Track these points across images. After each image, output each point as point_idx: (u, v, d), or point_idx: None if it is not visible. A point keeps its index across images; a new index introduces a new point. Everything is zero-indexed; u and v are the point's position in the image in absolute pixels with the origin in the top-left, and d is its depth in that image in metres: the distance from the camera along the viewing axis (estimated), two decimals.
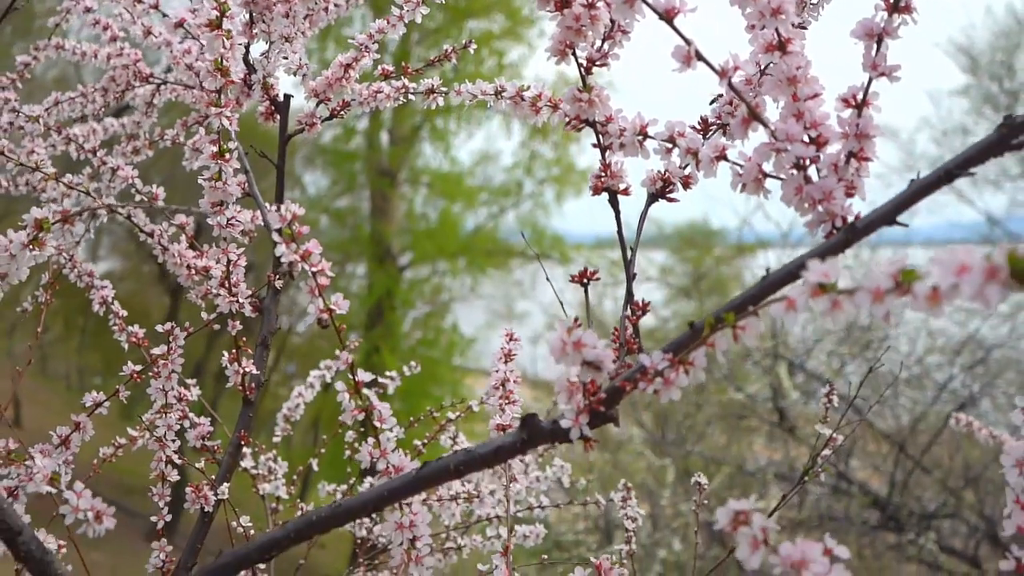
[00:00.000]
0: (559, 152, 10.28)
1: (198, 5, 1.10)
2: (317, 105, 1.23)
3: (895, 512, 5.47)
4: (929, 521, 5.43)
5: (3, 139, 1.32)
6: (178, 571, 0.99)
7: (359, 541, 1.71)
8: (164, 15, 1.30)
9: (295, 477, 1.69)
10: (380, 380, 1.63)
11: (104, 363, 10.86)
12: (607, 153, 0.89)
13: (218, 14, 1.00)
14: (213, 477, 1.09)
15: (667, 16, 0.72)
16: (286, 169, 1.24)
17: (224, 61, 1.01)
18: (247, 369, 1.10)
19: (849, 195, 0.70)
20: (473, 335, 10.41)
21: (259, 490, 1.53)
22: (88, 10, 1.47)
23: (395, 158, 10.17)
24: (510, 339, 1.02)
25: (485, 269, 10.45)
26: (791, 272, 0.63)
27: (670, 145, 0.86)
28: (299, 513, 1.44)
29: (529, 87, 1.02)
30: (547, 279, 1.13)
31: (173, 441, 1.07)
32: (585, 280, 0.93)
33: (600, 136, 0.89)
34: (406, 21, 1.21)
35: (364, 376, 0.78)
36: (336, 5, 1.21)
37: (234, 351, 1.10)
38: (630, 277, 0.87)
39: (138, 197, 1.35)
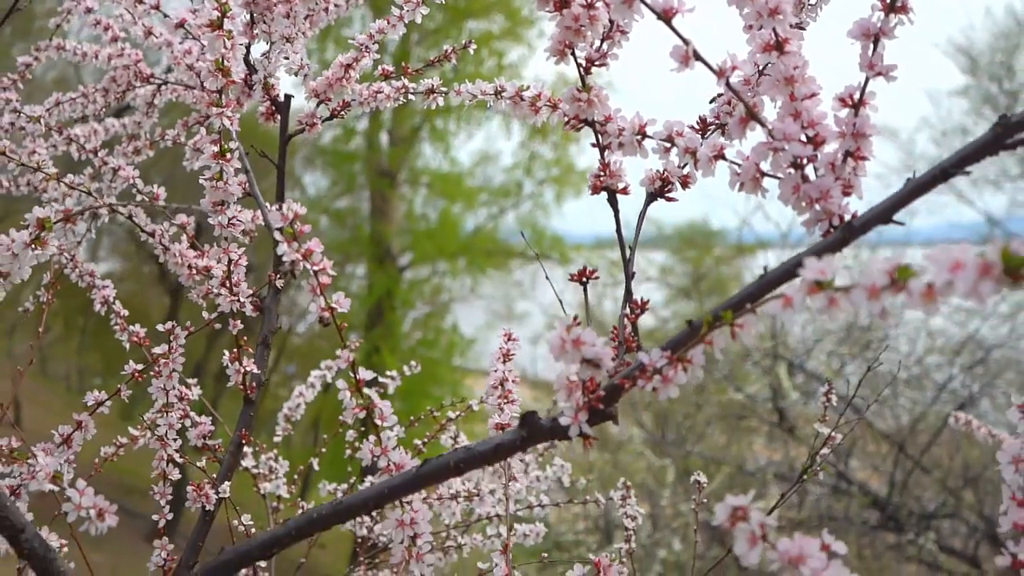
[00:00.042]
0: (559, 152, 10.29)
1: (199, 6, 1.10)
2: (317, 105, 1.24)
3: (895, 512, 5.47)
4: (929, 521, 5.43)
5: (5, 139, 1.33)
6: (180, 569, 0.99)
7: (360, 540, 1.72)
8: (165, 16, 1.30)
9: (296, 476, 1.70)
10: (380, 380, 1.63)
11: (104, 364, 10.86)
12: (606, 152, 0.90)
13: (219, 14, 1.01)
14: (214, 476, 1.09)
15: (665, 16, 0.72)
16: (286, 169, 1.25)
17: (225, 61, 1.01)
18: (248, 368, 1.10)
19: (846, 194, 0.71)
20: (473, 335, 10.41)
21: (260, 489, 1.53)
22: (89, 10, 1.48)
23: (395, 159, 10.17)
24: (508, 339, 1.02)
25: (485, 269, 10.46)
26: (788, 270, 0.63)
27: (668, 145, 0.87)
28: (300, 512, 1.45)
29: (528, 87, 1.03)
30: (547, 279, 1.13)
31: (174, 440, 1.08)
32: (584, 279, 0.93)
33: (599, 136, 0.89)
34: (406, 21, 1.21)
35: (365, 375, 0.79)
36: (336, 5, 1.22)
37: (235, 350, 1.11)
38: (629, 276, 0.87)
39: (139, 197, 1.35)
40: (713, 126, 0.86)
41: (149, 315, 8.61)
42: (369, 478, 1.53)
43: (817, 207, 0.71)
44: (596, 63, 0.85)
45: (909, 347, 6.57)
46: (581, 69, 0.85)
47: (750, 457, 7.08)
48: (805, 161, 0.73)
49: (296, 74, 1.24)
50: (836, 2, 0.92)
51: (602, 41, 0.84)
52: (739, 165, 0.78)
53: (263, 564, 1.38)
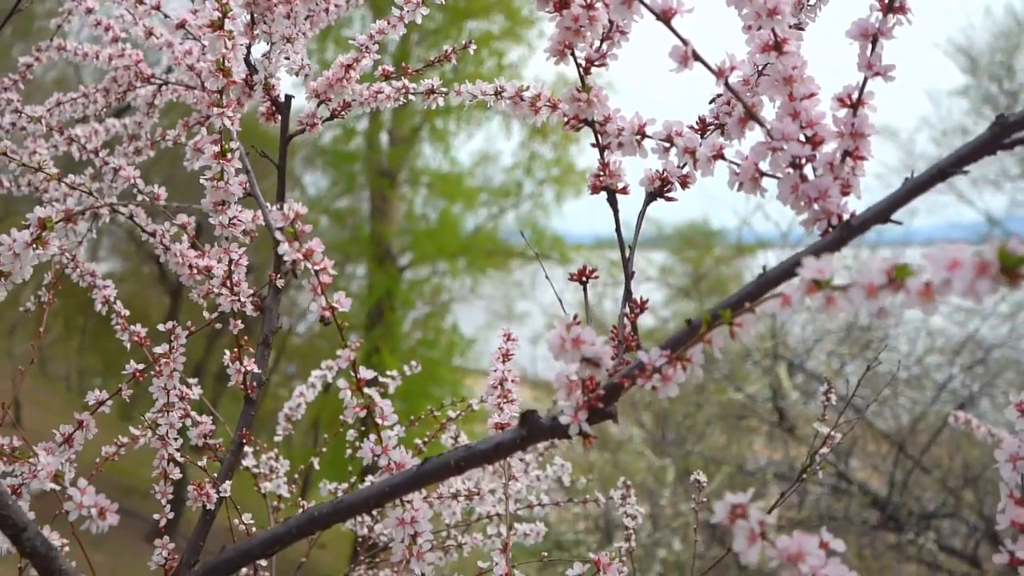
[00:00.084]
0: (559, 153, 10.29)
1: (200, 6, 1.10)
2: (318, 105, 1.24)
3: (895, 512, 5.47)
4: (929, 521, 5.43)
5: (6, 140, 1.33)
6: (181, 568, 1.00)
7: (360, 539, 1.72)
8: (166, 16, 1.31)
9: (296, 476, 1.70)
10: (381, 379, 1.63)
11: (104, 364, 10.86)
12: (605, 152, 0.90)
13: (220, 15, 1.01)
14: (215, 475, 1.10)
15: (664, 17, 0.72)
16: (286, 170, 1.25)
17: (226, 62, 1.01)
18: (249, 368, 1.11)
19: (844, 193, 0.71)
20: (473, 335, 10.41)
21: (260, 488, 1.54)
22: (90, 11, 1.48)
23: (395, 159, 10.18)
24: (508, 339, 1.03)
25: (485, 269, 10.46)
26: (787, 270, 0.64)
27: (668, 144, 0.87)
28: (300, 511, 1.45)
29: (528, 87, 1.03)
30: (547, 279, 1.14)
31: (175, 440, 1.08)
32: (584, 279, 0.94)
33: (598, 135, 0.89)
34: (406, 22, 1.21)
35: (366, 374, 0.79)
36: (336, 6, 1.22)
37: (236, 350, 1.11)
38: (628, 275, 0.87)
39: (140, 197, 1.35)
40: (712, 126, 0.87)
41: (149, 315, 8.61)
42: (369, 477, 1.53)
43: (816, 206, 0.72)
44: (596, 63, 0.85)
45: (909, 347, 6.57)
46: (581, 69, 0.86)
47: (750, 457, 7.08)
48: (804, 161, 0.73)
49: (296, 74, 1.24)
50: (835, 2, 0.92)
51: (601, 41, 0.84)
52: (738, 165, 0.78)
53: (264, 563, 1.39)
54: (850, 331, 6.45)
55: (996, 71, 7.87)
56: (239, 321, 1.10)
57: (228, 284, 1.09)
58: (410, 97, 1.24)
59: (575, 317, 0.72)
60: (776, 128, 0.74)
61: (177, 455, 1.08)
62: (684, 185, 0.90)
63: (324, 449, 1.80)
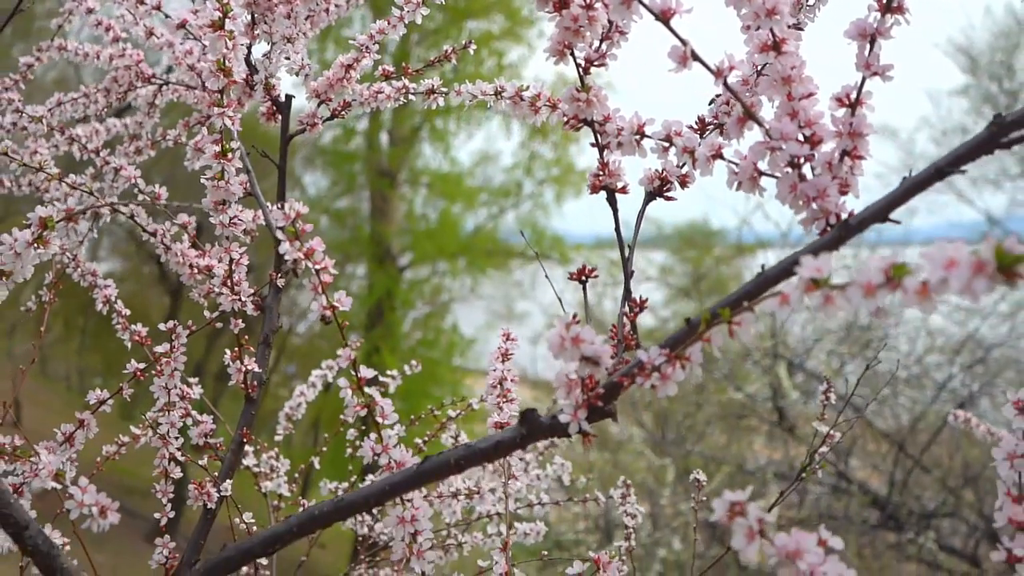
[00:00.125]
0: (559, 152, 10.29)
1: (200, 6, 1.11)
2: (318, 105, 1.24)
3: (895, 511, 5.47)
4: (929, 520, 5.44)
5: (7, 139, 1.33)
6: (182, 567, 1.00)
7: (360, 538, 1.72)
8: (166, 16, 1.31)
9: (297, 475, 1.70)
10: (381, 379, 1.64)
11: (104, 364, 10.87)
12: (605, 152, 0.90)
13: (220, 15, 1.01)
14: (216, 474, 1.10)
15: (663, 17, 0.73)
16: (287, 169, 1.26)
17: (226, 61, 1.02)
18: (249, 367, 1.11)
19: (843, 193, 0.72)
20: (473, 335, 10.41)
21: (261, 488, 1.54)
22: (90, 11, 1.48)
23: (395, 159, 10.18)
24: (507, 339, 1.03)
25: (485, 269, 10.46)
26: (786, 269, 0.64)
27: (667, 144, 0.87)
28: (301, 510, 1.45)
29: (528, 87, 1.03)
30: (547, 279, 1.14)
31: (176, 439, 1.08)
32: (583, 278, 0.94)
33: (598, 135, 0.90)
34: (406, 22, 1.22)
35: (367, 373, 0.79)
36: (337, 6, 1.22)
37: (236, 349, 1.11)
38: (628, 274, 0.88)
39: (141, 197, 1.36)
40: (711, 126, 0.87)
41: (149, 315, 8.61)
42: (370, 476, 1.54)
43: (814, 206, 0.72)
44: (595, 63, 0.86)
45: (909, 346, 6.57)
46: (580, 69, 0.86)
47: (750, 456, 7.08)
48: (802, 160, 0.73)
49: (297, 74, 1.25)
50: (834, 2, 0.92)
51: (601, 41, 0.85)
52: (737, 164, 0.79)
53: (264, 562, 1.39)
54: (850, 330, 6.46)
55: (996, 71, 7.87)
56: (240, 320, 1.11)
57: (229, 283, 1.09)
58: (410, 97, 1.24)
59: (575, 316, 0.72)
60: (775, 128, 0.74)
61: (178, 454, 1.08)
62: (683, 185, 0.90)
63: (324, 448, 1.81)
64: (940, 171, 0.62)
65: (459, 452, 0.73)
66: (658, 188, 0.90)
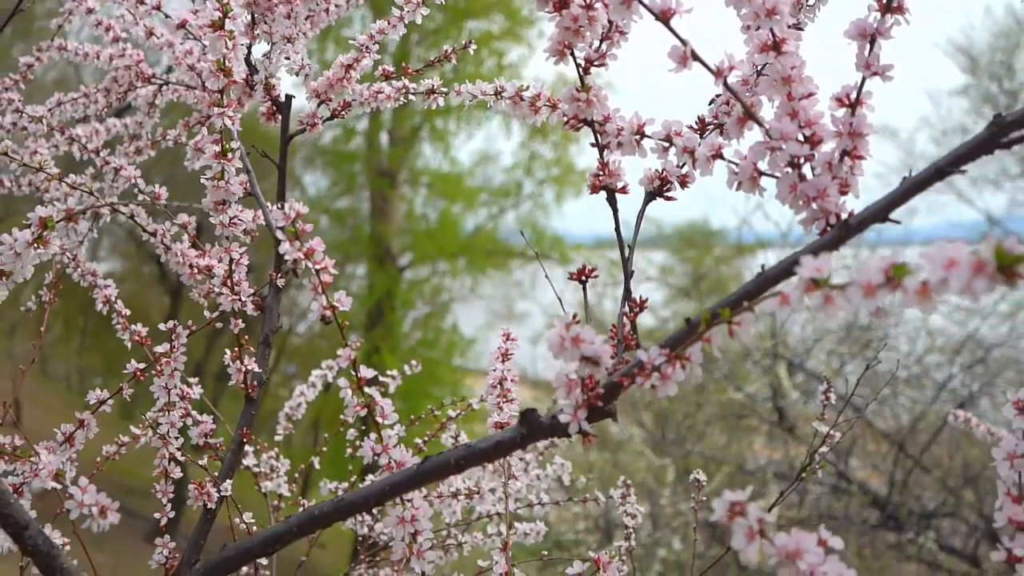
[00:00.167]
0: (559, 152, 10.29)
1: (200, 6, 1.11)
2: (318, 105, 1.24)
3: (895, 511, 5.47)
4: (929, 520, 5.44)
5: (7, 139, 1.33)
6: (182, 567, 1.00)
7: (360, 538, 1.72)
8: (166, 16, 1.31)
9: (297, 475, 1.70)
10: (381, 379, 1.64)
11: (104, 364, 10.87)
12: (605, 152, 0.90)
13: (220, 15, 1.01)
14: (216, 474, 1.10)
15: (663, 17, 0.73)
16: (287, 170, 1.26)
17: (227, 61, 1.02)
18: (249, 367, 1.11)
19: (843, 192, 0.72)
20: (473, 335, 10.41)
21: (261, 488, 1.54)
22: (90, 11, 1.48)
23: (395, 159, 10.18)
24: (507, 339, 1.03)
25: (485, 269, 10.46)
26: (786, 269, 0.64)
27: (667, 144, 0.87)
28: (301, 510, 1.45)
29: (528, 87, 1.03)
30: (547, 279, 1.14)
31: (176, 439, 1.08)
32: (583, 278, 0.94)
33: (598, 135, 0.90)
34: (406, 22, 1.22)
35: (367, 373, 0.79)
36: (337, 6, 1.22)
37: (236, 349, 1.11)
38: (628, 274, 0.88)
39: (141, 197, 1.36)
40: (711, 126, 0.87)
41: (149, 315, 8.61)
42: (370, 476, 1.54)
43: (814, 206, 0.72)
44: (595, 63, 0.86)
45: (909, 346, 6.57)
46: (580, 69, 0.86)
47: (750, 456, 7.08)
48: (802, 160, 0.73)
49: (297, 74, 1.25)
50: (834, 2, 0.92)
51: (601, 42, 0.85)
52: (737, 164, 0.79)
53: (264, 562, 1.39)
54: (850, 330, 6.46)
55: (996, 71, 7.87)
56: (240, 320, 1.11)
57: (229, 283, 1.09)
58: (410, 97, 1.24)
59: (575, 316, 0.72)
60: (775, 128, 0.74)
61: (178, 454, 1.08)
62: (683, 185, 0.90)
63: (324, 448, 1.81)
64: (940, 171, 0.62)
65: (459, 452, 0.73)
66: (658, 188, 0.90)
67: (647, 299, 0.89)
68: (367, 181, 10.26)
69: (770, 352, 6.31)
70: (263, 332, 1.16)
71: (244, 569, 1.40)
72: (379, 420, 0.79)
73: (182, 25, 1.14)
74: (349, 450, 1.48)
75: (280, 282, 1.15)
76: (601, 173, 0.91)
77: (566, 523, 6.37)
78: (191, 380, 1.15)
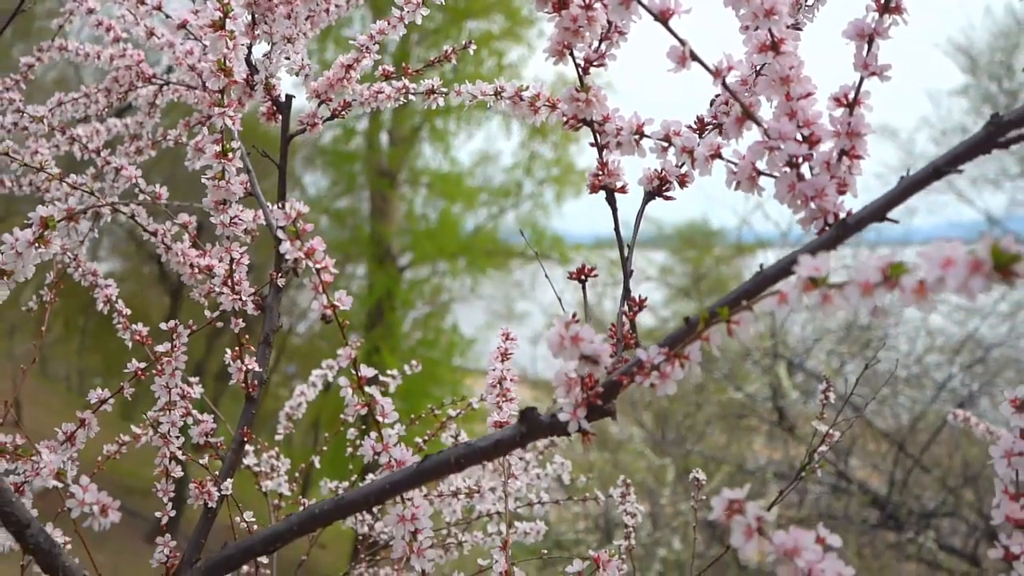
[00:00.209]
0: (558, 152, 10.29)
1: (201, 6, 1.11)
2: (319, 105, 1.25)
3: (894, 511, 5.47)
4: (928, 520, 5.44)
5: (8, 139, 1.33)
6: (182, 566, 1.00)
7: (360, 538, 1.72)
8: (167, 16, 1.31)
9: (297, 474, 1.71)
10: (381, 378, 1.64)
11: (105, 364, 10.86)
12: (604, 152, 0.90)
13: (221, 15, 1.01)
14: (216, 474, 1.10)
15: (662, 17, 0.73)
16: (287, 169, 1.26)
17: (227, 61, 1.02)
18: (250, 366, 1.11)
19: (841, 192, 0.72)
20: (473, 335, 10.41)
21: (261, 487, 1.54)
22: (91, 11, 1.49)
23: (395, 159, 10.18)
24: (507, 338, 1.03)
25: (485, 269, 10.46)
26: (784, 268, 0.64)
27: (666, 144, 0.88)
28: (301, 508, 1.45)
29: (528, 87, 1.04)
30: (547, 279, 1.14)
31: (177, 438, 1.08)
32: (583, 277, 0.94)
33: (597, 135, 0.90)
34: (406, 22, 1.22)
35: (367, 372, 0.80)
36: (337, 6, 1.22)
37: (237, 349, 1.11)
38: (627, 274, 0.88)
39: (141, 196, 1.36)
40: (710, 126, 0.87)
41: (149, 315, 8.61)
42: (370, 475, 1.54)
43: (812, 205, 0.72)
44: (594, 63, 0.86)
45: (908, 346, 6.57)
46: (580, 69, 0.86)
47: (750, 456, 7.09)
48: (800, 160, 0.73)
49: (297, 74, 1.25)
50: (832, 2, 0.93)
51: (600, 42, 0.85)
52: (735, 164, 0.79)
53: (264, 561, 1.39)
54: (850, 330, 6.46)
55: (996, 71, 7.87)
56: (240, 320, 1.11)
57: (229, 283, 1.09)
58: (410, 97, 1.24)
59: (574, 315, 0.73)
60: (773, 127, 0.74)
61: (179, 453, 1.09)
62: (682, 184, 0.90)
63: (325, 447, 1.81)
64: (938, 170, 0.63)
65: (459, 451, 0.74)
66: (657, 188, 0.90)
67: (646, 298, 0.89)
68: (367, 181, 10.26)
69: (770, 352, 6.31)
70: (263, 332, 1.16)
71: (245, 568, 1.40)
72: (379, 419, 0.80)
73: (183, 25, 1.14)
74: (349, 449, 1.48)
75: (280, 282, 1.15)
76: (600, 173, 0.91)
77: (566, 522, 6.37)
78: (192, 379, 1.15)
